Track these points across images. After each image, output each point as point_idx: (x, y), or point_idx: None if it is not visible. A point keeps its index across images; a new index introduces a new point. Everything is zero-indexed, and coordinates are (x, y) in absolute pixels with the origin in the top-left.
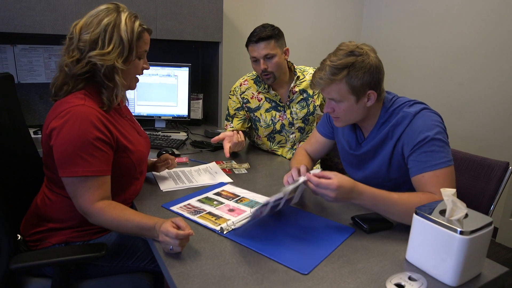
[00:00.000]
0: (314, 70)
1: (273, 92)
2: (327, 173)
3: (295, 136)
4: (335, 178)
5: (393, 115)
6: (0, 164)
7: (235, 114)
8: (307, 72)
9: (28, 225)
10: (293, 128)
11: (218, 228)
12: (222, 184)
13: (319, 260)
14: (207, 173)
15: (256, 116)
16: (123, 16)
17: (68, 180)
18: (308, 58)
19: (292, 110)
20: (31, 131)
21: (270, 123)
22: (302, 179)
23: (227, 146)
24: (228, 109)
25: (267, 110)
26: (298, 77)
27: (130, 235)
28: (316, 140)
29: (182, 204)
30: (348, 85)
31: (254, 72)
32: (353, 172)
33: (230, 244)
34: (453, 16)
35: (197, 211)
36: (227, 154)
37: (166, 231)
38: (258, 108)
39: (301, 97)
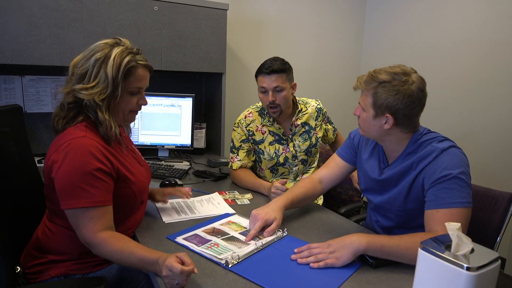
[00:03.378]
0: (316, 102)
1: (277, 125)
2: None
3: (298, 168)
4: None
5: (421, 147)
6: (5, 194)
7: (240, 146)
8: (309, 105)
9: (28, 257)
10: (296, 160)
11: (223, 261)
12: (227, 215)
13: None
14: (210, 204)
15: (260, 148)
16: (114, 52)
17: (70, 212)
18: (308, 90)
19: (295, 143)
20: (36, 159)
21: (273, 156)
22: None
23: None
24: (232, 141)
25: (270, 143)
26: (300, 110)
27: (132, 268)
28: (336, 163)
29: (186, 235)
30: (373, 99)
31: (258, 104)
32: (373, 197)
33: (233, 278)
34: (453, 46)
35: (202, 242)
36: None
37: (171, 266)
38: (262, 141)
39: (303, 129)
